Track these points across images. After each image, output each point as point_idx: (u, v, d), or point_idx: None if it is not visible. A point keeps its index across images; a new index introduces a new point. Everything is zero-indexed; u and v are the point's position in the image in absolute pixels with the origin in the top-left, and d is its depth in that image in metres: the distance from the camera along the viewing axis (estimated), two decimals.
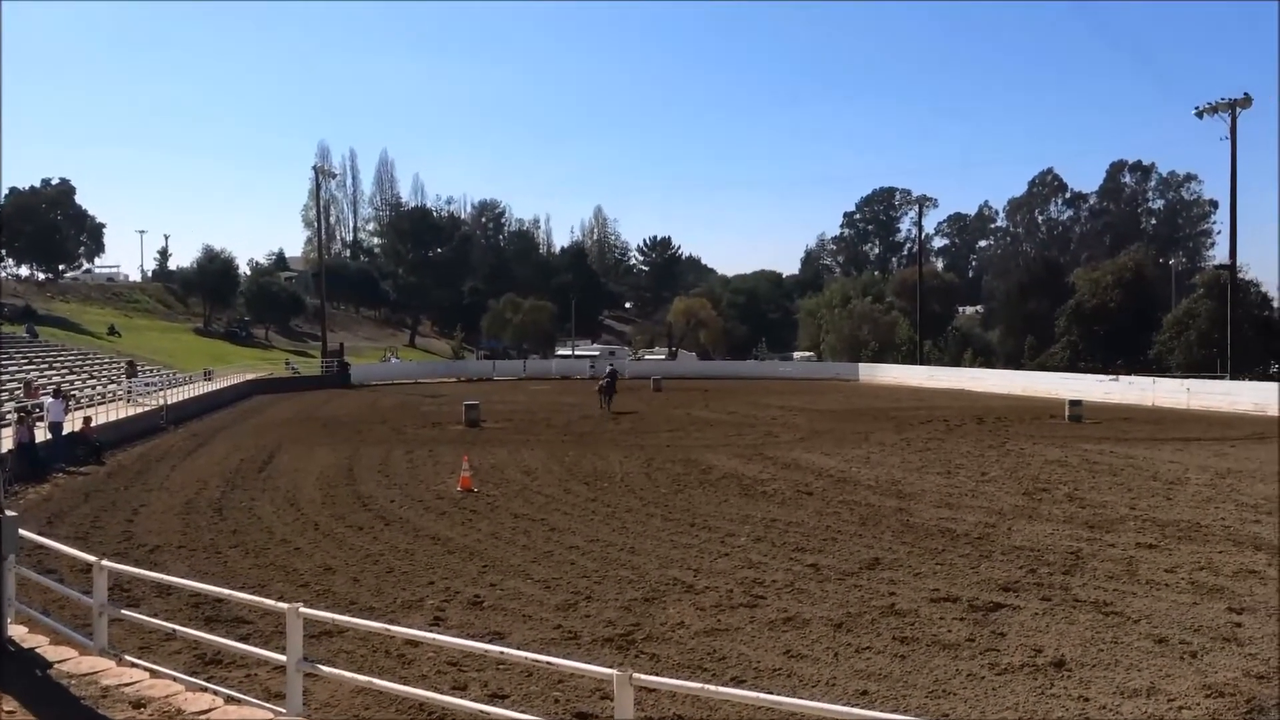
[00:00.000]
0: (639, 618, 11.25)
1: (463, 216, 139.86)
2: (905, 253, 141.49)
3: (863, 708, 8.17)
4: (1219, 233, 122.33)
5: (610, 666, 5.84)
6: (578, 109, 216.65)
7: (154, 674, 7.87)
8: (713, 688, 6.35)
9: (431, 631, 10.07)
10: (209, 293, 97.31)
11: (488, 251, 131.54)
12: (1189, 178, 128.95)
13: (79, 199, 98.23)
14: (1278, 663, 9.58)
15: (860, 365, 73.76)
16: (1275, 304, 69.87)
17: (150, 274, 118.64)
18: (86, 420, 27.38)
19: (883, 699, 8.73)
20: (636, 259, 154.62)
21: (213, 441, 30.65)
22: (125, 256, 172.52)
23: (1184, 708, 8.46)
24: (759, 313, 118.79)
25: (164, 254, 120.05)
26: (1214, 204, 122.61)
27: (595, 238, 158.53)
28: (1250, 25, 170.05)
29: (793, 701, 6.28)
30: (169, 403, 37.53)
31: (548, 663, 6.52)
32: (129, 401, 37.49)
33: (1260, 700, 8.55)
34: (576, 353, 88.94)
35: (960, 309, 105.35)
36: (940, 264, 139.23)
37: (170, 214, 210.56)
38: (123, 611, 8.94)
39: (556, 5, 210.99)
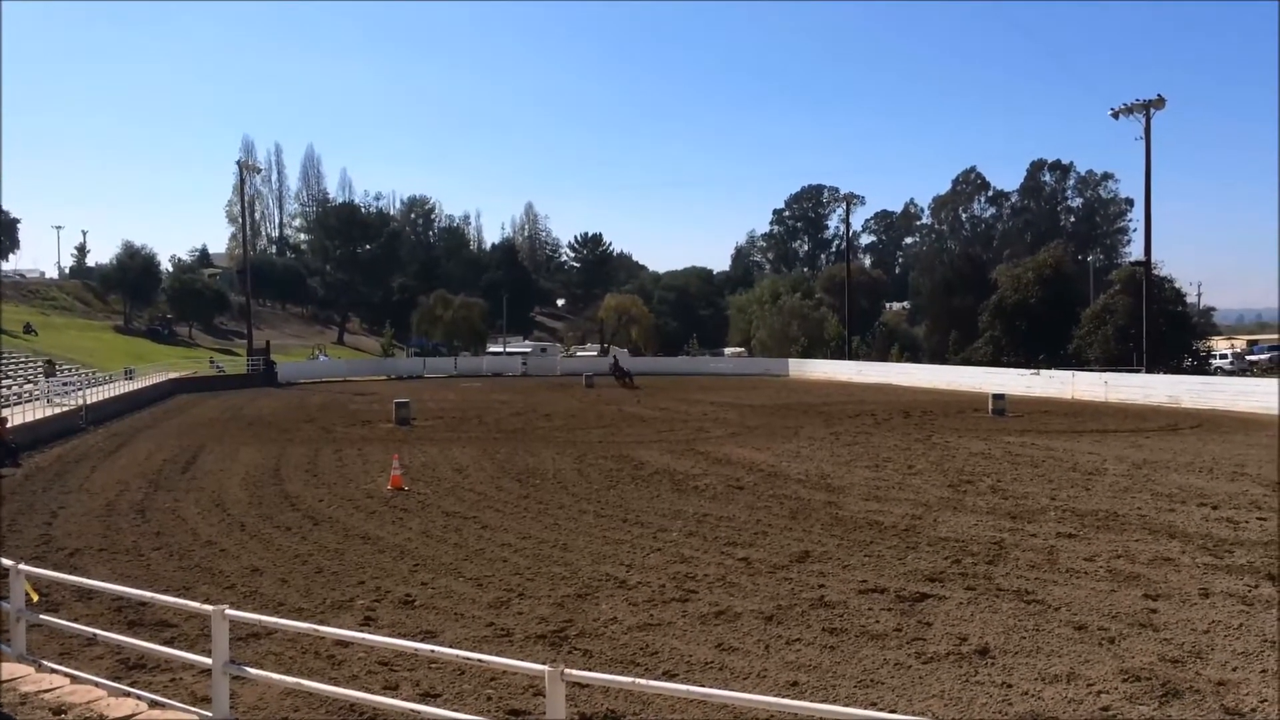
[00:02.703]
0: (572, 614, 11.26)
1: (391, 212, 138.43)
2: (833, 249, 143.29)
3: (792, 698, 8.29)
4: (1135, 230, 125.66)
5: (543, 663, 5.85)
6: (508, 105, 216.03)
7: (75, 680, 7.70)
8: (644, 682, 6.39)
9: (362, 631, 9.99)
10: (129, 290, 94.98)
11: (417, 248, 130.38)
12: (1106, 176, 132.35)
13: None
14: (1191, 647, 9.92)
15: (790, 361, 74.38)
16: (1188, 299, 72.11)
17: (68, 271, 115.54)
18: (1, 421, 26.55)
19: (812, 689, 8.85)
20: (568, 255, 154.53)
21: (134, 442, 29.94)
22: (41, 253, 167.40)
23: (1102, 692, 8.71)
24: (690, 309, 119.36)
25: (82, 250, 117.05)
26: (1129, 202, 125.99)
27: (526, 234, 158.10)
28: (1164, 29, 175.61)
29: (724, 694, 6.37)
30: (88, 403, 36.58)
31: (479, 660, 6.52)
32: (47, 402, 36.43)
33: (1175, 684, 8.84)
34: (508, 350, 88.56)
35: (887, 305, 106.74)
36: (868, 260, 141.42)
37: (88, 209, 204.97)
38: (41, 616, 8.72)
39: (485, 2, 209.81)
